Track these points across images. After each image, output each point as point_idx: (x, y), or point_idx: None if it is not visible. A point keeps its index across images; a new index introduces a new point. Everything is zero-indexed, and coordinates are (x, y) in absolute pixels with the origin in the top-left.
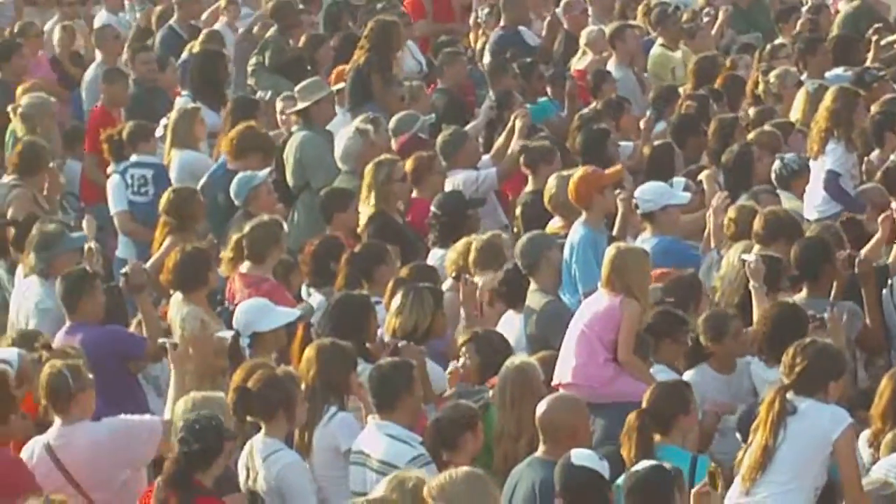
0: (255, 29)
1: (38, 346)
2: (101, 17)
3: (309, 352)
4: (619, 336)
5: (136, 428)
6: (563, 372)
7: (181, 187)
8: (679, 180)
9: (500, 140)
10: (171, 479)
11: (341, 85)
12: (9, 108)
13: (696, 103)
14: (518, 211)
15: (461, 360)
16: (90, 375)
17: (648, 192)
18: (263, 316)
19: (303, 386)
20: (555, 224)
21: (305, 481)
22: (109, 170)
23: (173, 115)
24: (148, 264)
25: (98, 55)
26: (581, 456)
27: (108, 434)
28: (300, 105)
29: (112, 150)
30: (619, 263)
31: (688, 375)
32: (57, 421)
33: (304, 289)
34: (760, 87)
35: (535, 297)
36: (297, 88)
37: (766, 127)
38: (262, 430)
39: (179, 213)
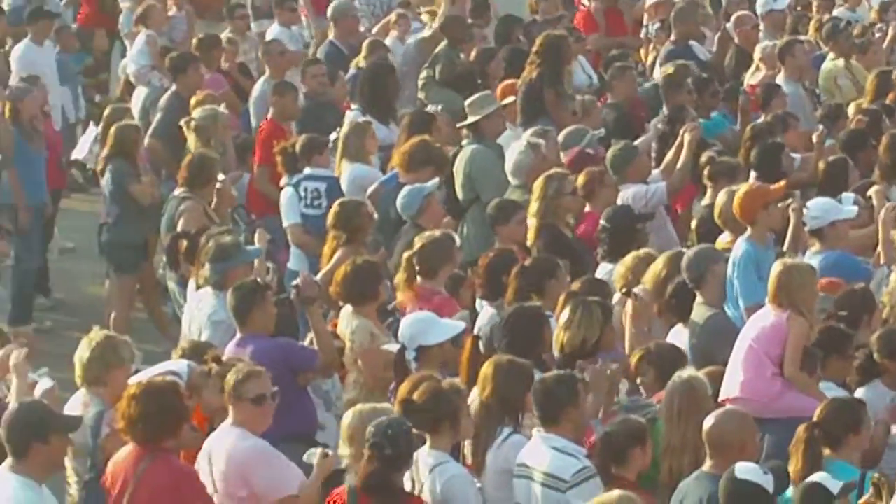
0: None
1: (207, 359)
2: (272, 31)
3: (486, 369)
4: (785, 351)
5: (277, 467)
6: (731, 387)
7: (348, 200)
8: (848, 195)
9: (669, 154)
10: (370, 484)
11: (511, 99)
12: (181, 122)
13: (867, 118)
14: (694, 224)
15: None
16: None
17: (815, 209)
18: (429, 329)
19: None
20: (724, 239)
21: (471, 494)
22: (282, 182)
23: (345, 128)
24: (318, 277)
25: (266, 70)
26: (745, 470)
27: (250, 453)
28: (470, 119)
29: (285, 162)
30: (786, 280)
31: (860, 392)
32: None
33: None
34: None
35: (700, 311)
36: (467, 102)
37: None
38: (427, 443)
39: (347, 226)
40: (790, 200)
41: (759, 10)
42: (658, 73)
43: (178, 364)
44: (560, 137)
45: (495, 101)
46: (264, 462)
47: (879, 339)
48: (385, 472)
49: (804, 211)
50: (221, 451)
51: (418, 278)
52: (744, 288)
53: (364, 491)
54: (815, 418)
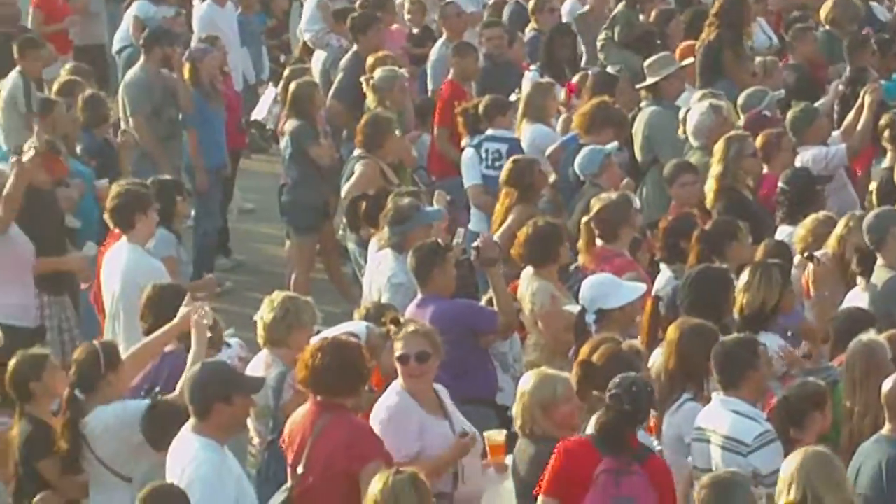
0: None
1: (385, 321)
2: None
3: (671, 333)
4: None
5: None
6: None
7: (521, 157)
8: None
9: (850, 116)
10: (606, 439)
11: (690, 60)
12: (361, 80)
13: None
14: (873, 186)
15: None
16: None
17: None
18: (610, 292)
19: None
20: None
21: None
22: (463, 143)
23: (527, 88)
24: (495, 237)
25: (443, 32)
26: None
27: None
28: (650, 80)
29: (467, 123)
30: None
31: None
32: None
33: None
34: None
35: (880, 273)
36: (646, 63)
37: None
38: None
39: (520, 183)
40: None
41: None
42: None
43: (357, 325)
44: (740, 99)
45: (675, 62)
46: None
47: None
48: (620, 426)
49: None
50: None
51: (598, 241)
52: None
53: (598, 443)
54: None
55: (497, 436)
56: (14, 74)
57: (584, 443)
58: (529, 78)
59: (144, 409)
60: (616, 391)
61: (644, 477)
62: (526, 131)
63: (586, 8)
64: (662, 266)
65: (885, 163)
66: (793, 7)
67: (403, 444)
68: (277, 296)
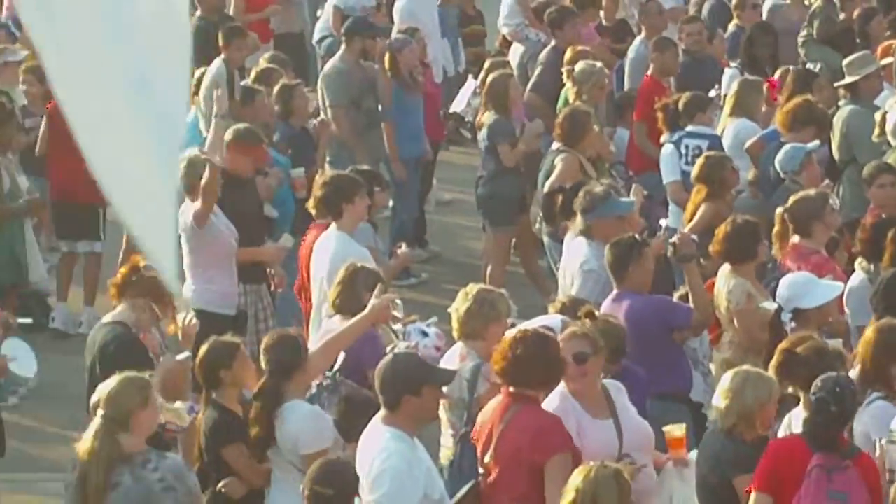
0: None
1: (580, 315)
2: None
3: (868, 334)
4: None
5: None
6: None
7: (714, 154)
8: None
9: None
10: (817, 437)
11: (889, 60)
12: (563, 70)
13: None
14: None
15: None
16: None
17: None
18: (806, 292)
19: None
20: None
21: None
22: (663, 139)
23: (736, 84)
24: (686, 229)
25: (643, 29)
26: None
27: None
28: (849, 79)
29: (667, 119)
30: None
31: None
32: None
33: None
34: None
35: None
36: (845, 62)
37: None
38: (801, 401)
39: (712, 178)
40: None
41: None
42: None
43: (552, 319)
44: None
45: (875, 62)
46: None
47: None
48: (828, 428)
49: None
50: None
51: (795, 237)
52: None
53: (808, 444)
54: None
55: (677, 430)
56: (218, 62)
57: (795, 441)
58: (730, 75)
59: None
60: (821, 394)
61: (856, 472)
62: (731, 126)
63: (787, 2)
64: (858, 266)
65: None
66: None
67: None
68: (472, 288)
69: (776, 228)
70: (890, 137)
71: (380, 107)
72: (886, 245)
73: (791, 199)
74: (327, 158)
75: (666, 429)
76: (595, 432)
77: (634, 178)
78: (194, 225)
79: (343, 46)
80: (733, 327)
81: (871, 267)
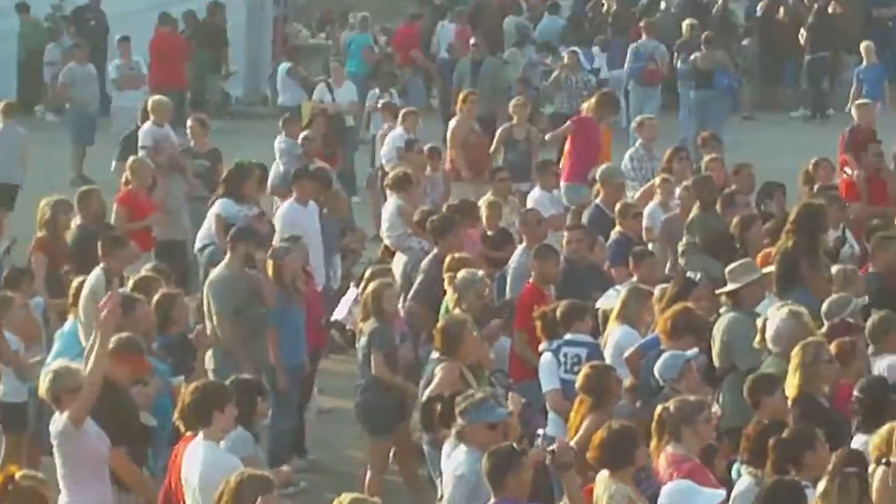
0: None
1: None
2: (532, 195)
3: None
4: None
5: None
6: None
7: (597, 364)
8: None
9: None
10: None
11: (770, 268)
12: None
13: None
14: None
15: None
16: None
17: None
18: (690, 499)
19: None
20: None
21: None
22: (542, 347)
23: (624, 292)
24: (572, 442)
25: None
26: None
27: None
28: (731, 287)
29: (545, 327)
30: None
31: None
32: None
33: (736, 466)
34: None
35: None
36: (727, 269)
37: None
38: None
39: (596, 389)
40: None
41: None
42: None
43: None
44: (824, 306)
45: (756, 270)
46: None
47: None
48: None
49: None
50: None
51: (668, 445)
52: None
53: None
54: None
55: None
56: (97, 271)
57: None
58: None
59: None
60: None
61: None
62: (615, 333)
63: (671, 214)
64: (745, 471)
65: None
66: (872, 216)
67: None
68: (345, 498)
69: (653, 434)
70: (769, 344)
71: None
72: (768, 452)
73: (670, 402)
74: (211, 367)
75: None
76: None
77: (514, 386)
78: (66, 432)
79: (228, 254)
80: None
81: (759, 472)
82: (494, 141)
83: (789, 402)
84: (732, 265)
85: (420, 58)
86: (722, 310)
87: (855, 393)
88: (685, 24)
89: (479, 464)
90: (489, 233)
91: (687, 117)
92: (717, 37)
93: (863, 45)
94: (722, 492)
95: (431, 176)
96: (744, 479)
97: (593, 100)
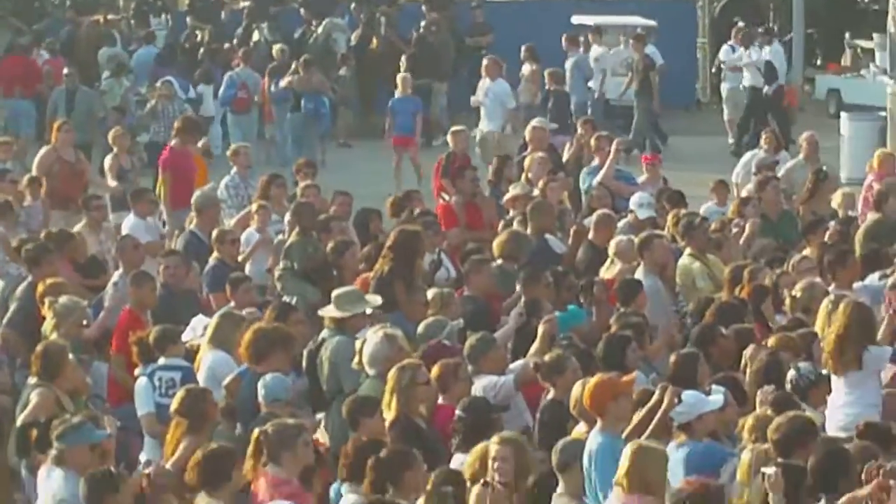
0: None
1: None
2: (127, 222)
3: None
4: None
5: None
6: None
7: (193, 387)
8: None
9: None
10: None
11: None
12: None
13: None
14: (538, 418)
15: None
16: None
17: (683, 403)
18: None
19: None
20: (579, 430)
21: None
22: (137, 372)
23: (216, 316)
24: (168, 465)
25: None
26: None
27: None
28: (338, 314)
29: (140, 352)
30: (640, 461)
31: None
32: None
33: (336, 486)
34: (787, 300)
35: (560, 502)
36: (335, 294)
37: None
38: None
39: (192, 412)
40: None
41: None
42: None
43: None
44: (420, 328)
45: (364, 302)
46: None
47: None
48: None
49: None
50: None
51: (270, 464)
52: (602, 481)
53: None
54: None
55: None
56: None
57: None
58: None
59: None
60: None
61: None
62: (207, 358)
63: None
64: (346, 487)
65: (550, 395)
66: (468, 240)
67: None
68: None
69: (250, 451)
70: (366, 366)
71: None
72: (366, 471)
73: (268, 425)
74: None
75: None
76: None
77: (111, 410)
78: None
79: None
80: None
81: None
82: (106, 169)
83: (387, 424)
84: (340, 291)
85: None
86: (325, 333)
87: (457, 412)
88: (275, 48)
89: (78, 488)
90: (80, 261)
91: (282, 139)
92: (319, 63)
93: (399, 77)
94: None
95: (31, 205)
96: (347, 497)
97: (176, 124)
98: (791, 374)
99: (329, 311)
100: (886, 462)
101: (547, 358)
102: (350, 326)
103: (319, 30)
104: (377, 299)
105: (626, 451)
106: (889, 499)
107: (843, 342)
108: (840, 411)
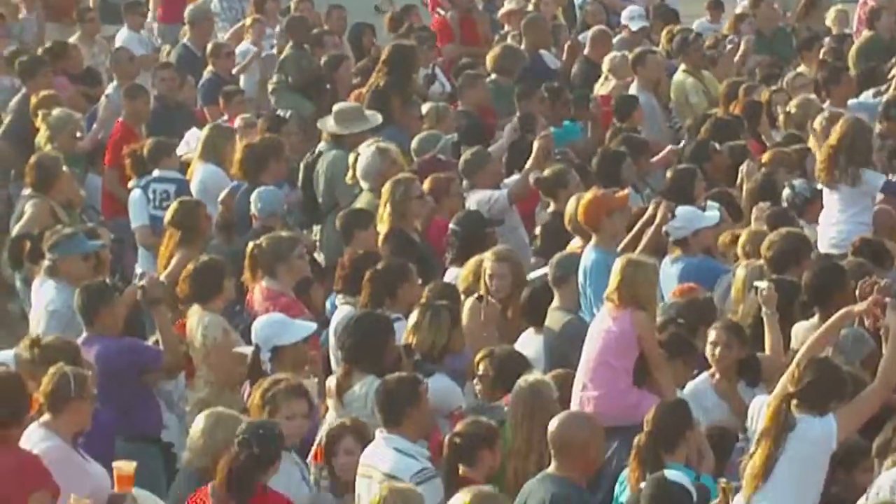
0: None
1: (24, 345)
2: (120, 35)
3: None
4: (646, 354)
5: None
6: (584, 401)
7: (187, 199)
8: (712, 203)
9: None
10: (230, 482)
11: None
12: (32, 119)
13: (712, 128)
14: (538, 230)
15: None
16: (94, 390)
17: (679, 218)
18: (283, 330)
19: None
20: (575, 244)
21: None
22: (131, 184)
23: (206, 129)
24: (162, 277)
25: (114, 76)
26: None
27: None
28: (339, 130)
29: (134, 165)
30: (631, 275)
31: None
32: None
33: (333, 297)
34: (781, 117)
35: (555, 316)
36: (336, 109)
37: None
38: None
39: (185, 224)
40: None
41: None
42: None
43: (4, 355)
44: (413, 143)
45: (367, 121)
46: (64, 472)
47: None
48: (250, 471)
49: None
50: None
51: (263, 280)
52: (597, 296)
53: (226, 487)
54: (646, 426)
55: (126, 467)
56: None
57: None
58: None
59: None
60: (245, 436)
61: None
62: (198, 171)
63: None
64: (341, 299)
65: (550, 208)
66: (463, 55)
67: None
68: None
69: (247, 267)
70: (360, 180)
71: None
72: (363, 284)
73: (262, 239)
74: None
75: (116, 465)
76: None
77: (106, 222)
78: None
79: None
80: (208, 365)
81: (354, 300)
82: None
83: (381, 237)
84: (341, 107)
85: None
86: (322, 146)
87: (451, 226)
88: None
89: (72, 298)
90: (75, 72)
91: None
92: None
93: None
94: (313, 325)
95: (25, 17)
96: (341, 308)
97: None
98: (786, 191)
99: (328, 126)
100: (880, 278)
101: (548, 172)
102: (348, 142)
103: None
104: (377, 117)
105: (616, 266)
106: (883, 315)
107: (838, 153)
108: (833, 228)
